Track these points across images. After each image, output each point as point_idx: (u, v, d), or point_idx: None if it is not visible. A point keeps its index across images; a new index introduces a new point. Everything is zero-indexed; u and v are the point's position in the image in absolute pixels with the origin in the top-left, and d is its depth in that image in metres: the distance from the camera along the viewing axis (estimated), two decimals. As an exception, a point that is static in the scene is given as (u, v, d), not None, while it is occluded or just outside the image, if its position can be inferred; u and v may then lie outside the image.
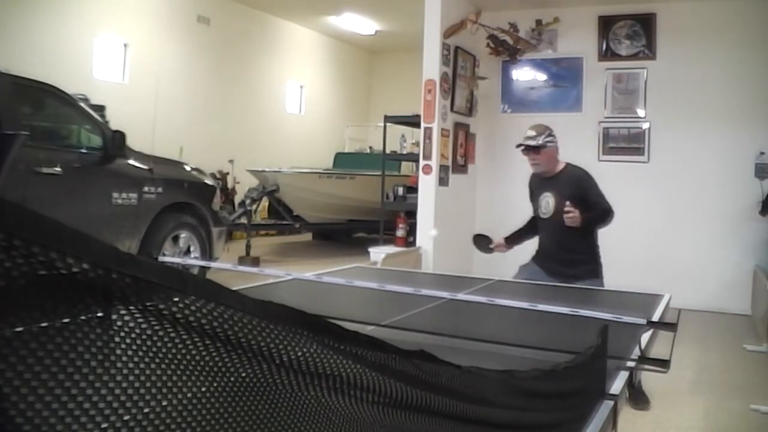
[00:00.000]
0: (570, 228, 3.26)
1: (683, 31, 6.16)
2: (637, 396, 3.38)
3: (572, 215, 3.17)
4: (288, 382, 0.62)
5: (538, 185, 3.56)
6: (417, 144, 6.64)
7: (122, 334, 0.51)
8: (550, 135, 3.50)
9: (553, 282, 3.28)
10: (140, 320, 0.51)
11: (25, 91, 4.49)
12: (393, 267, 4.42)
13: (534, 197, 3.60)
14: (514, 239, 3.81)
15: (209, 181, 6.09)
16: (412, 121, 6.44)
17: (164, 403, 0.53)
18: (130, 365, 0.52)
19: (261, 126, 10.62)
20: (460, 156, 6.47)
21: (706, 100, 6.10)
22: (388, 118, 6.81)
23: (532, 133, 3.48)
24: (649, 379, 3.36)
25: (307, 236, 10.36)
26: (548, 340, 1.71)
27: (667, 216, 6.11)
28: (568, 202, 3.20)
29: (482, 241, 3.74)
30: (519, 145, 3.48)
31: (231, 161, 9.25)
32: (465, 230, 6.79)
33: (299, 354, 0.62)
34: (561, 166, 3.51)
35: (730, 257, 6.00)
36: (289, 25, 11.30)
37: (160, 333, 0.53)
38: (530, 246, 3.84)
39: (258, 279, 2.55)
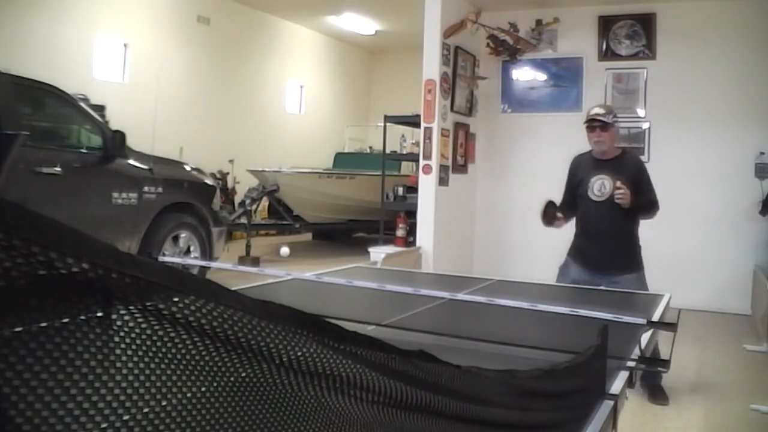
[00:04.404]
0: (622, 213, 3.31)
1: (683, 31, 6.16)
2: (656, 392, 3.42)
3: (623, 192, 3.19)
4: (288, 382, 0.62)
5: (590, 167, 3.46)
6: (417, 144, 6.64)
7: (122, 334, 0.51)
8: (616, 116, 3.51)
9: (593, 278, 3.25)
10: (140, 320, 0.51)
11: (25, 91, 4.49)
12: (393, 267, 4.41)
13: (581, 180, 3.47)
14: (566, 217, 3.58)
15: (209, 181, 6.10)
16: (412, 121, 6.44)
17: (164, 403, 0.53)
18: (130, 365, 0.52)
19: (261, 126, 10.62)
20: (460, 156, 6.47)
21: (706, 99, 6.10)
22: (388, 118, 6.81)
23: (601, 110, 3.42)
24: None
25: (307, 236, 10.36)
26: (548, 340, 1.71)
27: (667, 216, 6.08)
28: (618, 182, 3.23)
29: (550, 212, 3.45)
30: (589, 120, 3.39)
31: (231, 161, 9.25)
32: (465, 230, 6.81)
33: (299, 354, 0.62)
34: (618, 150, 3.52)
35: (730, 257, 6.00)
36: (289, 25, 11.30)
37: (160, 333, 0.53)
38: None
39: (258, 279, 2.55)
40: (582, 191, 3.45)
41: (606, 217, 3.37)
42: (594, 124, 3.38)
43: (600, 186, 3.37)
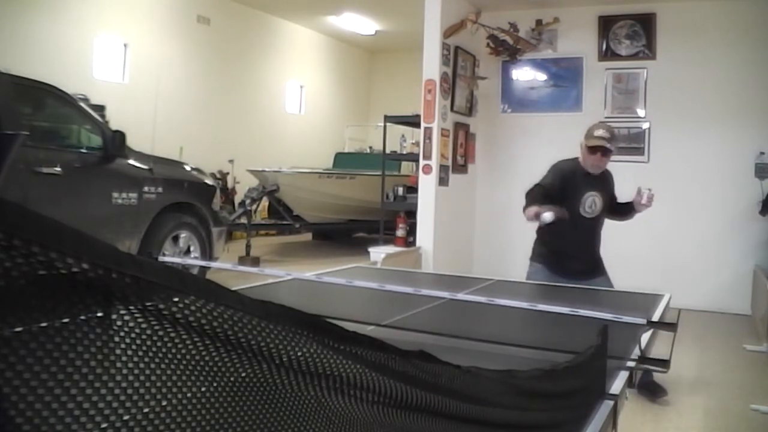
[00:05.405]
0: (601, 227, 3.45)
1: (683, 31, 6.16)
2: (653, 389, 3.43)
3: (652, 195, 3.30)
4: (288, 382, 0.62)
5: (582, 183, 3.37)
6: (417, 144, 6.64)
7: (122, 334, 0.51)
8: (615, 137, 3.49)
9: (567, 283, 3.21)
10: (140, 320, 0.51)
11: (25, 91, 4.49)
12: (393, 267, 4.41)
13: (571, 193, 3.36)
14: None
15: (209, 181, 6.09)
16: (412, 121, 6.44)
17: (164, 403, 0.53)
18: (130, 365, 0.52)
19: (261, 126, 10.62)
20: (460, 156, 6.47)
21: (706, 99, 6.10)
22: (388, 118, 6.81)
23: (607, 134, 3.33)
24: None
25: (307, 236, 10.36)
26: (548, 340, 1.71)
27: (667, 216, 6.11)
28: (649, 188, 3.33)
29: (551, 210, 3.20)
30: (596, 147, 3.30)
31: (231, 161, 9.25)
32: (465, 230, 6.81)
33: (299, 354, 0.62)
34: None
35: (730, 257, 6.00)
36: (289, 25, 11.30)
37: (160, 333, 0.53)
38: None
39: (258, 279, 2.55)
40: (571, 206, 3.33)
41: (590, 231, 3.44)
42: (598, 151, 3.32)
43: (591, 203, 3.37)
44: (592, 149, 3.32)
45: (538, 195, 3.25)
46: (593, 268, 3.42)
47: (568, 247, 3.40)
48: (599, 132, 3.35)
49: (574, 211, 3.35)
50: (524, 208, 3.23)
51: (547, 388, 1.06)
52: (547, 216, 3.05)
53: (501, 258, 6.68)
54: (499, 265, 6.45)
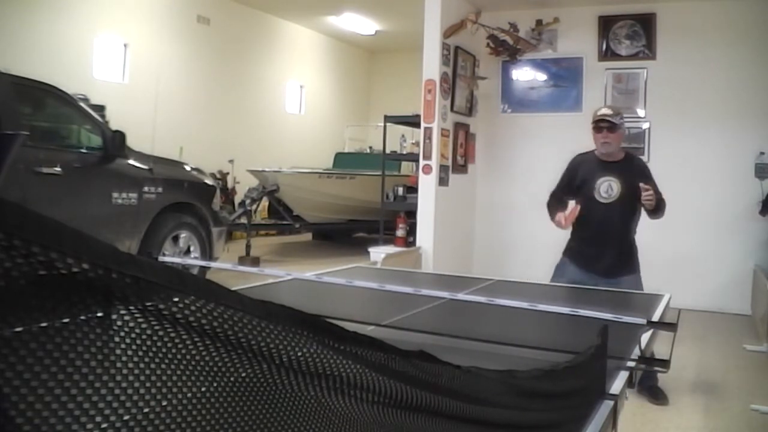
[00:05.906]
0: (626, 215, 3.37)
1: (683, 31, 6.17)
2: (656, 393, 3.43)
3: (651, 193, 3.20)
4: (288, 382, 0.62)
5: (595, 168, 3.40)
6: (417, 144, 6.64)
7: (122, 334, 0.51)
8: (623, 117, 3.48)
9: (592, 280, 3.22)
10: (140, 320, 0.51)
11: (25, 91, 4.49)
12: (393, 267, 4.41)
13: (584, 180, 3.41)
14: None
15: (209, 181, 6.10)
16: (412, 121, 6.44)
17: (164, 403, 0.53)
18: (130, 365, 0.52)
19: (261, 126, 10.63)
20: (460, 156, 6.47)
21: (706, 99, 6.10)
22: (388, 118, 6.80)
23: (609, 111, 3.40)
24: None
25: (307, 236, 10.36)
26: (548, 340, 1.71)
27: (667, 216, 6.09)
28: (642, 184, 3.23)
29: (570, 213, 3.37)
30: (597, 121, 3.34)
31: (231, 161, 9.26)
32: (465, 230, 6.81)
33: (299, 354, 0.62)
34: (623, 153, 3.50)
35: (730, 257, 6.00)
36: (289, 25, 11.30)
37: (160, 333, 0.53)
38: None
39: (258, 279, 2.55)
40: (586, 192, 3.39)
41: (611, 219, 3.36)
42: (602, 125, 3.34)
43: (607, 188, 3.35)
44: (597, 125, 3.35)
45: (554, 202, 3.47)
46: (622, 264, 3.37)
47: (590, 237, 3.39)
48: (602, 111, 3.43)
49: (590, 197, 3.37)
50: (552, 219, 3.43)
51: (547, 388, 1.06)
52: (566, 219, 3.32)
53: (501, 258, 6.68)
54: (499, 265, 6.46)
